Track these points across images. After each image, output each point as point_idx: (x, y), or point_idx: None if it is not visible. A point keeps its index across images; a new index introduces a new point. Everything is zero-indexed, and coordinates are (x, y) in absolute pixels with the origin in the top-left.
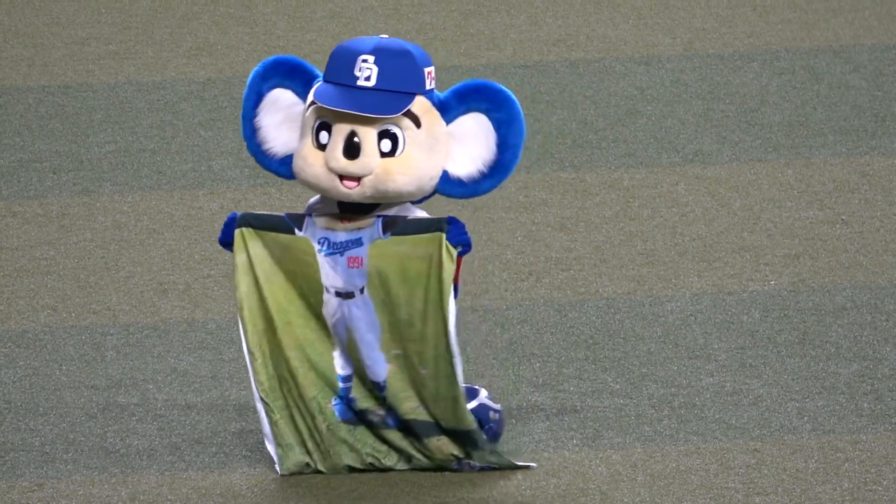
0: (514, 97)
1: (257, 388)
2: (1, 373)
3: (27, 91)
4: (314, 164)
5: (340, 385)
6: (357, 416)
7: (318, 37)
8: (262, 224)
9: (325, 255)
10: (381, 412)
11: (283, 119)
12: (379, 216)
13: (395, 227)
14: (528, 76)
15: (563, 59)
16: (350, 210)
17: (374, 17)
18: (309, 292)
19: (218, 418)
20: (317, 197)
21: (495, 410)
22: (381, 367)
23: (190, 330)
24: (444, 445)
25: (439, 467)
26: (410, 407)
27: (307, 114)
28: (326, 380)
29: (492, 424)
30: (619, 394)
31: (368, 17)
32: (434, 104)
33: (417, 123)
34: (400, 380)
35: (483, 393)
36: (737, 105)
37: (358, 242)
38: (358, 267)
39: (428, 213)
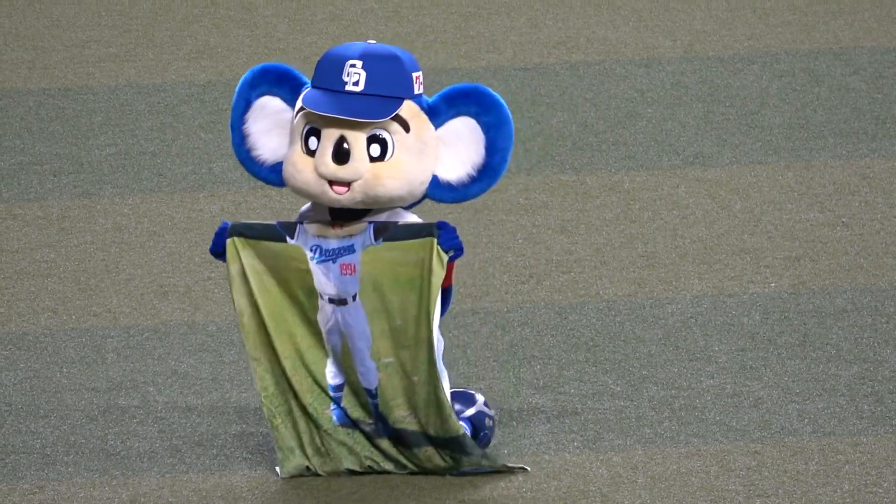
0: (502, 101)
1: (261, 394)
2: (1, 375)
3: (27, 94)
4: (304, 170)
5: (332, 395)
6: (353, 423)
7: (318, 39)
8: (253, 233)
9: (318, 263)
10: (371, 422)
11: (271, 126)
12: (370, 222)
13: (387, 232)
14: (529, 78)
15: (563, 62)
16: (341, 216)
17: (375, 19)
18: (303, 299)
19: (218, 420)
20: (308, 205)
21: (490, 417)
22: (373, 374)
23: (190, 332)
24: (433, 456)
25: (433, 473)
26: (401, 415)
27: (296, 120)
28: (321, 387)
29: (486, 431)
30: (619, 396)
31: (369, 19)
32: (423, 108)
33: (406, 128)
34: (390, 388)
35: (480, 399)
36: (737, 107)
37: (350, 249)
38: (351, 274)
39: (420, 217)
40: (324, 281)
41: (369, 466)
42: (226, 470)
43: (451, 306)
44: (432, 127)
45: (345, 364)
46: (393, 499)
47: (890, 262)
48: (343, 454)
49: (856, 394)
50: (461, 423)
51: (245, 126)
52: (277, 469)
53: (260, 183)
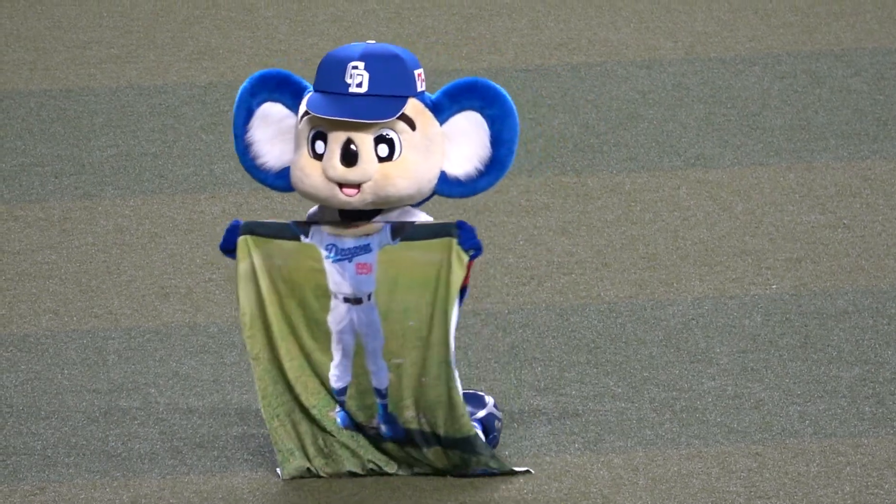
0: (505, 93)
1: (259, 394)
2: (3, 377)
3: (29, 95)
4: (312, 174)
5: (336, 398)
6: (359, 427)
7: (319, 40)
8: (266, 231)
9: (333, 262)
10: (375, 425)
11: (275, 133)
12: (387, 222)
13: (405, 232)
14: (530, 80)
15: (564, 63)
16: (351, 217)
17: (376, 20)
18: (315, 300)
19: (220, 422)
20: (315, 208)
21: (499, 419)
22: (384, 374)
23: (191, 334)
24: (441, 456)
25: (440, 472)
26: (410, 416)
27: (301, 125)
28: (328, 389)
29: (495, 433)
30: (620, 398)
31: (370, 20)
32: (426, 105)
33: (412, 126)
34: (398, 389)
35: (490, 401)
36: (738, 109)
37: (366, 248)
38: (367, 273)
39: (428, 215)
40: (339, 280)
41: (371, 469)
42: (227, 471)
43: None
44: (437, 123)
45: (356, 364)
46: (394, 500)
47: (891, 264)
48: (346, 456)
49: (857, 395)
50: (474, 423)
51: (248, 135)
52: (278, 470)
53: (261, 185)
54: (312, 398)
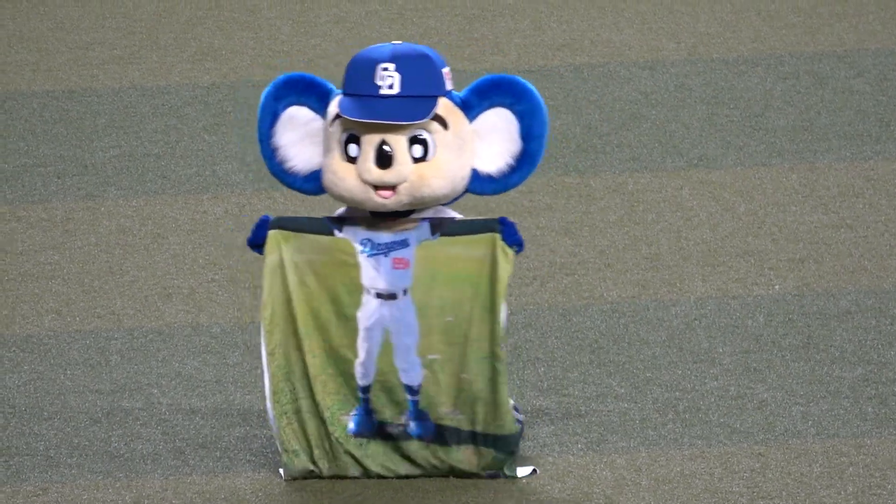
0: (533, 88)
1: (270, 391)
2: (6, 377)
3: (32, 96)
4: (346, 177)
5: (360, 396)
6: (375, 430)
7: (322, 41)
8: (298, 226)
9: (368, 256)
10: (402, 421)
11: (302, 136)
12: (425, 218)
13: (444, 228)
14: (533, 81)
15: (567, 64)
16: (383, 217)
17: (379, 21)
18: (345, 295)
19: (222, 422)
20: (342, 209)
21: (520, 422)
22: (417, 371)
23: (194, 334)
24: (470, 455)
25: (454, 473)
26: (444, 412)
27: (332, 128)
28: (350, 388)
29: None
30: (623, 398)
31: (373, 21)
32: (456, 104)
33: (445, 125)
34: (434, 384)
35: (510, 403)
36: (741, 110)
37: (404, 243)
38: (404, 268)
39: (460, 213)
40: (373, 275)
41: (377, 475)
42: (229, 472)
43: None
44: (467, 121)
45: (382, 362)
46: (396, 501)
47: (894, 264)
48: (350, 463)
49: (860, 396)
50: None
51: (274, 139)
52: (281, 471)
53: (264, 184)
54: (329, 398)
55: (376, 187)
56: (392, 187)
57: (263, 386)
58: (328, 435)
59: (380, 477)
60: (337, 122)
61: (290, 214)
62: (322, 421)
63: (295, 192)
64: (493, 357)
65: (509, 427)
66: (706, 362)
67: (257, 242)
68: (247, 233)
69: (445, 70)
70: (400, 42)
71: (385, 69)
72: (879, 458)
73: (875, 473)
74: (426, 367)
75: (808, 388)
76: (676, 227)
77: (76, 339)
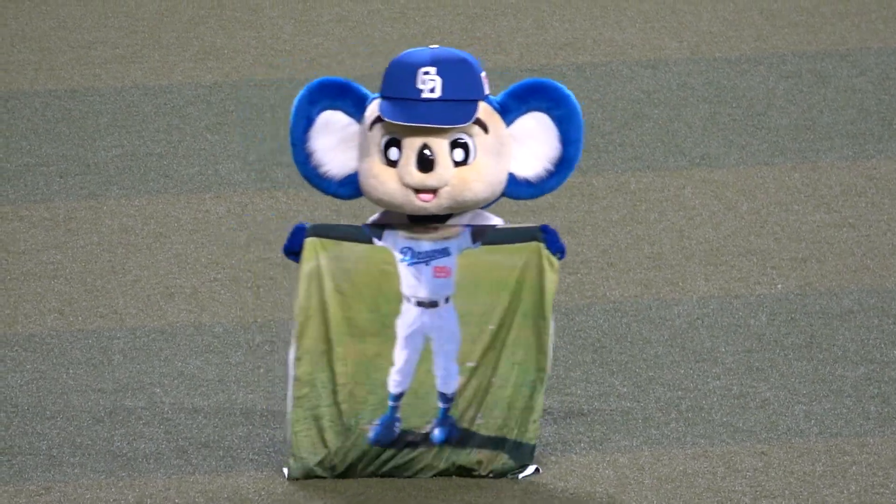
0: (570, 93)
1: (292, 395)
2: (8, 376)
3: (34, 95)
4: (387, 181)
5: (390, 404)
6: (395, 440)
7: (324, 41)
8: (337, 234)
9: (409, 265)
10: (427, 430)
11: (338, 141)
12: (467, 226)
13: (486, 236)
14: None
15: (569, 63)
16: (421, 222)
17: (381, 20)
18: (384, 303)
19: (225, 422)
20: (378, 213)
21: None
22: (454, 379)
23: (196, 333)
24: (482, 459)
25: (457, 473)
26: (470, 417)
27: (371, 132)
28: (378, 398)
29: None
30: (626, 397)
31: (375, 20)
32: (494, 108)
33: (485, 129)
34: (467, 389)
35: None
36: (743, 109)
37: (445, 252)
38: (445, 276)
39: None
40: (414, 283)
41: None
42: (232, 471)
43: None
44: (504, 125)
45: (421, 369)
46: (399, 500)
47: None
48: (367, 465)
49: (862, 395)
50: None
51: (309, 143)
52: (285, 470)
53: (267, 184)
54: (356, 407)
55: (417, 191)
56: (433, 191)
57: (287, 390)
58: (347, 443)
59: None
60: (377, 125)
61: (293, 213)
62: (344, 429)
63: (297, 194)
64: (538, 369)
65: (531, 436)
66: (709, 361)
67: (293, 249)
68: (249, 231)
69: (483, 74)
70: (437, 46)
71: (426, 73)
72: (882, 457)
73: (878, 472)
74: (462, 374)
75: (811, 387)
76: (679, 226)
77: (79, 338)
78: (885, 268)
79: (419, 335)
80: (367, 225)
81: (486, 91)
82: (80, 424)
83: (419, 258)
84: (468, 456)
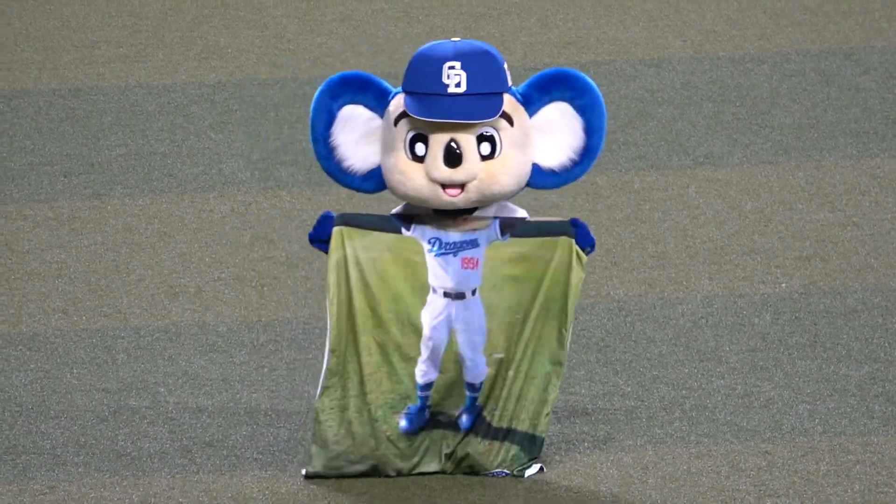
0: (592, 81)
1: (322, 386)
2: (12, 376)
3: (38, 94)
4: (414, 176)
5: (419, 394)
6: (426, 424)
7: (328, 40)
8: (364, 224)
9: (436, 256)
10: (456, 413)
11: (360, 135)
12: (496, 217)
13: (515, 228)
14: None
15: (573, 62)
16: (447, 215)
17: (385, 19)
18: (410, 294)
19: (229, 421)
20: (398, 208)
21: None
22: (481, 369)
23: (201, 333)
24: (489, 451)
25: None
26: (491, 407)
27: (396, 127)
28: (405, 388)
29: None
30: (630, 396)
31: (379, 19)
32: (517, 99)
33: (511, 122)
34: (492, 380)
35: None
36: (747, 107)
37: (474, 243)
38: (473, 268)
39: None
40: (441, 274)
41: (410, 472)
42: (236, 470)
43: None
44: (527, 116)
45: (446, 360)
46: (403, 499)
47: None
48: (391, 461)
49: (866, 394)
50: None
51: (332, 138)
52: (303, 471)
53: (271, 183)
54: (383, 396)
55: (444, 186)
56: (461, 185)
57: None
58: (375, 433)
59: (412, 474)
60: (402, 121)
61: (297, 212)
62: (371, 419)
63: (301, 193)
64: (555, 363)
65: (542, 429)
66: (713, 360)
67: (319, 237)
68: (253, 230)
69: (505, 66)
70: (459, 39)
71: (452, 67)
72: (886, 456)
73: (882, 471)
74: (490, 365)
75: (815, 386)
76: (683, 225)
77: (82, 337)
78: (890, 267)
79: (445, 326)
80: (395, 214)
81: (510, 83)
82: (84, 424)
83: (447, 249)
84: (478, 445)
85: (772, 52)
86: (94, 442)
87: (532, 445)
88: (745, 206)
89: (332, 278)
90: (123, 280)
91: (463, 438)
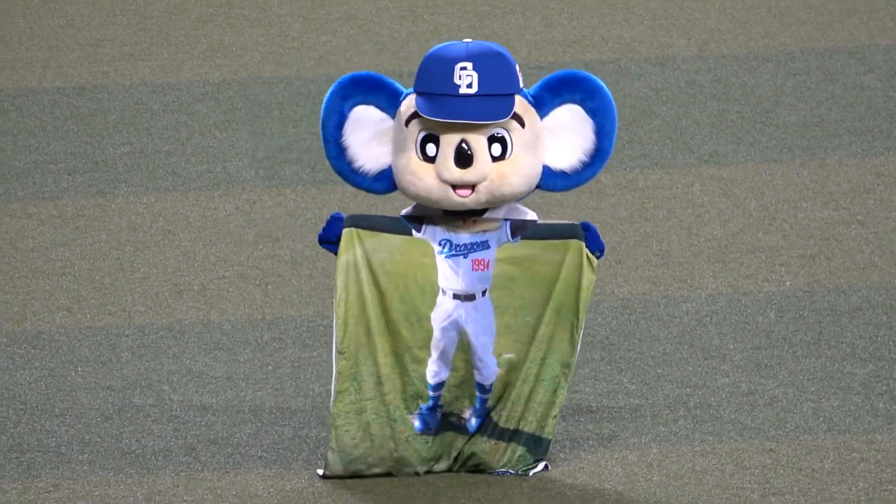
0: (603, 84)
1: (334, 390)
2: (17, 374)
3: (42, 93)
4: (425, 177)
5: (430, 394)
6: (439, 424)
7: (332, 38)
8: (374, 225)
9: (447, 257)
10: (466, 415)
11: (372, 136)
12: (506, 220)
13: (526, 231)
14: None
15: (577, 61)
16: (457, 216)
17: (389, 18)
18: (419, 295)
19: (233, 419)
20: (409, 209)
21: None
22: (492, 370)
23: (205, 331)
24: (494, 451)
25: (468, 467)
26: (500, 408)
27: (407, 128)
28: (416, 388)
29: None
30: (634, 394)
31: (383, 18)
32: (528, 101)
33: (522, 123)
34: (502, 382)
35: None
36: (752, 106)
37: (484, 245)
38: (483, 270)
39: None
40: (451, 276)
41: (427, 471)
42: (241, 468)
43: None
44: (538, 118)
45: (457, 359)
46: (408, 497)
47: None
48: (410, 462)
49: (871, 392)
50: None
51: (343, 139)
52: (319, 472)
53: (275, 182)
54: (399, 397)
55: (455, 186)
56: (471, 186)
57: (332, 383)
58: (394, 434)
59: (428, 472)
60: (413, 121)
61: (301, 211)
62: (390, 420)
63: (306, 190)
64: (564, 365)
65: (549, 430)
66: (717, 359)
67: (329, 239)
68: (257, 228)
69: (517, 67)
70: (471, 40)
71: (464, 68)
72: (890, 454)
73: (886, 469)
74: (501, 365)
75: (819, 384)
76: (687, 223)
77: (87, 335)
78: (894, 265)
79: (454, 328)
80: (405, 216)
81: (521, 84)
82: (88, 422)
83: (458, 251)
84: (483, 444)
85: (776, 50)
86: (98, 440)
87: (538, 447)
88: (749, 204)
89: (340, 280)
90: (128, 278)
91: (470, 439)
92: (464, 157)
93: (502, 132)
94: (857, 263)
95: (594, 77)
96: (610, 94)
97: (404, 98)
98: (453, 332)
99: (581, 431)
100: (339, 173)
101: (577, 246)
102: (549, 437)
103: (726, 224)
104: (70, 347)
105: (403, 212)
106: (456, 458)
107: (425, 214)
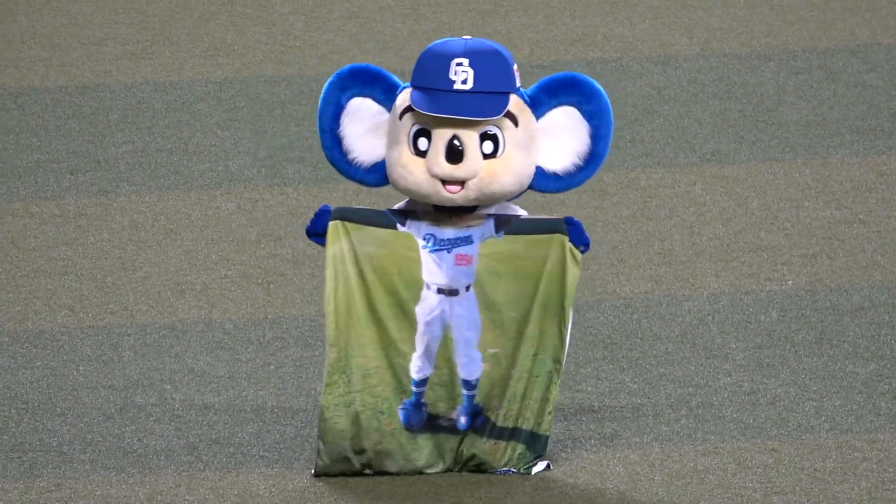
0: (601, 88)
1: (325, 382)
2: (19, 373)
3: (45, 91)
4: (415, 171)
5: (413, 389)
6: (424, 423)
7: (335, 37)
8: (360, 218)
9: (431, 252)
10: (454, 417)
11: (368, 128)
12: (490, 215)
13: (510, 226)
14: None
15: (580, 59)
16: (447, 212)
17: (392, 16)
18: (404, 289)
19: (235, 418)
20: (404, 202)
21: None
22: (477, 365)
23: (207, 330)
24: (495, 450)
25: (469, 467)
26: (494, 406)
27: (401, 121)
28: (399, 382)
29: None
30: (636, 393)
31: (386, 16)
32: (524, 101)
33: (515, 122)
34: (490, 378)
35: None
36: (754, 105)
37: (468, 240)
38: (466, 264)
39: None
40: (435, 270)
41: (418, 471)
42: (242, 468)
43: None
44: (534, 118)
45: (441, 356)
46: (410, 496)
47: None
48: (396, 457)
49: (873, 391)
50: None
51: (339, 130)
52: (312, 470)
53: (277, 180)
54: (387, 390)
55: (445, 182)
56: (461, 182)
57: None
58: (381, 427)
59: (415, 473)
60: (407, 115)
61: (304, 210)
62: (378, 413)
63: (308, 188)
64: (556, 361)
65: (546, 427)
66: (719, 358)
67: (316, 231)
68: (259, 227)
69: (514, 67)
70: (470, 37)
71: (459, 64)
72: (893, 454)
73: (888, 468)
74: (486, 360)
75: (822, 383)
76: (689, 222)
77: (89, 335)
78: None
79: (439, 322)
80: (392, 210)
81: (518, 84)
82: (90, 421)
83: (441, 245)
84: (483, 444)
85: (778, 49)
86: (100, 439)
87: (537, 443)
88: (751, 203)
89: (329, 271)
90: (130, 277)
91: (464, 438)
92: (455, 153)
93: (495, 130)
94: (859, 262)
95: (592, 80)
96: (607, 98)
97: (401, 91)
98: (438, 326)
99: (583, 431)
100: (333, 164)
101: (560, 240)
102: (547, 433)
103: (728, 223)
104: (72, 347)
105: (396, 206)
106: (455, 460)
107: (417, 209)
